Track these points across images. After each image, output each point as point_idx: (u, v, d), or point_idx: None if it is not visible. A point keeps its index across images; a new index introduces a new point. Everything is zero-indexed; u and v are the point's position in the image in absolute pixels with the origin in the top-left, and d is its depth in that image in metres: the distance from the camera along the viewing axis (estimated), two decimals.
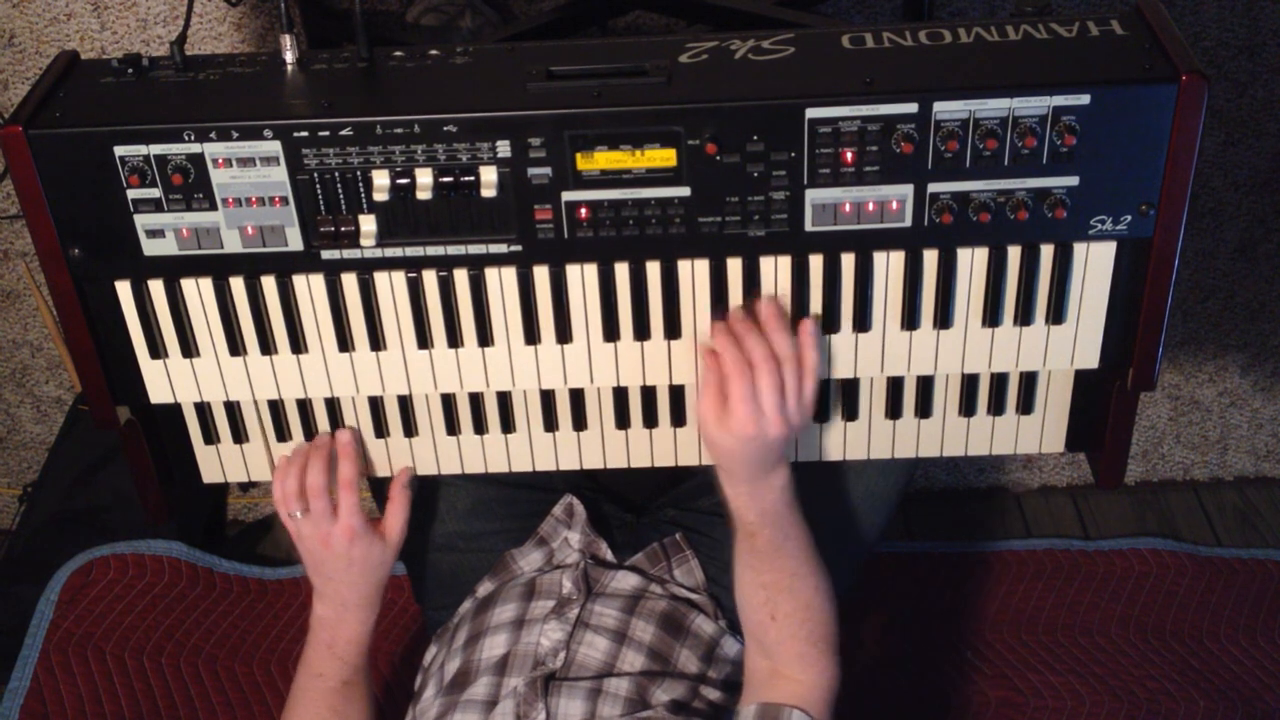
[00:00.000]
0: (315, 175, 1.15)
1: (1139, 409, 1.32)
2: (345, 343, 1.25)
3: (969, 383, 1.31)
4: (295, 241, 1.19)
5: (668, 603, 1.45)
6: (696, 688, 1.38)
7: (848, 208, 1.17)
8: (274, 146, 1.13)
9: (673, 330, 1.24)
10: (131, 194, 1.16)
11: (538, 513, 1.56)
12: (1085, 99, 1.11)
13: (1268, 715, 1.92)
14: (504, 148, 1.13)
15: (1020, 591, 2.14)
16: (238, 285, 1.22)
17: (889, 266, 1.20)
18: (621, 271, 1.21)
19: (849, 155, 1.13)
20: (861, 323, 1.23)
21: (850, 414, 1.33)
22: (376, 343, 1.25)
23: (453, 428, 1.34)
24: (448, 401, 1.32)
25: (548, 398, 1.32)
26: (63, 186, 1.15)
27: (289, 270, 1.21)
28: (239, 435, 1.34)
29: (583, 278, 1.21)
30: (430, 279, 1.21)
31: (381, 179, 1.15)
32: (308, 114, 1.13)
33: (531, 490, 1.58)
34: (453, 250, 1.19)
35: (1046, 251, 1.20)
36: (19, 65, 1.91)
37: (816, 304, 1.22)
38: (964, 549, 2.23)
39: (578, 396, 1.32)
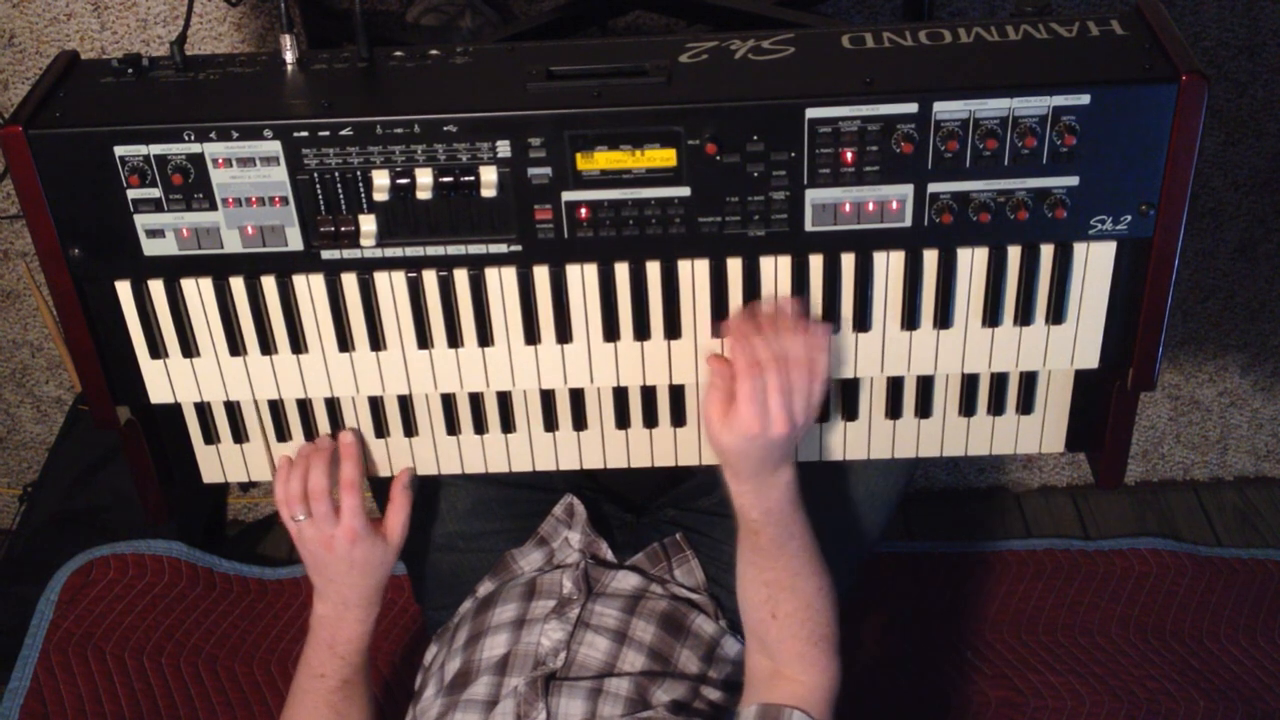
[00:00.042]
0: (315, 175, 1.15)
1: (1139, 409, 1.32)
2: (345, 343, 1.25)
3: (969, 383, 1.31)
4: (295, 241, 1.19)
5: (668, 603, 1.45)
6: (697, 688, 1.38)
7: (848, 208, 1.17)
8: (274, 146, 1.13)
9: (673, 330, 1.24)
10: (131, 194, 1.16)
11: (538, 513, 1.56)
12: (1085, 99, 1.11)
13: (1268, 715, 1.92)
14: (504, 148, 1.13)
15: (1020, 591, 2.14)
16: (238, 285, 1.22)
17: (889, 266, 1.20)
18: (621, 271, 1.21)
19: (849, 155, 1.13)
20: (861, 323, 1.23)
21: (850, 414, 1.33)
22: (376, 343, 1.25)
23: (453, 428, 1.34)
24: (448, 401, 1.32)
25: (548, 398, 1.32)
26: (63, 186, 1.15)
27: (289, 270, 1.21)
28: (239, 435, 1.34)
29: (583, 278, 1.21)
30: (430, 279, 1.21)
31: (381, 179, 1.15)
32: (308, 114, 1.13)
33: (531, 490, 1.58)
34: (453, 250, 1.19)
35: (1046, 251, 1.20)
36: (19, 65, 1.91)
37: (816, 304, 1.22)
38: (964, 549, 2.23)
39: (578, 396, 1.32)
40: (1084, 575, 2.16)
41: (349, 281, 1.21)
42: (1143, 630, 2.06)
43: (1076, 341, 1.24)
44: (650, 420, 1.33)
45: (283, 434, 1.34)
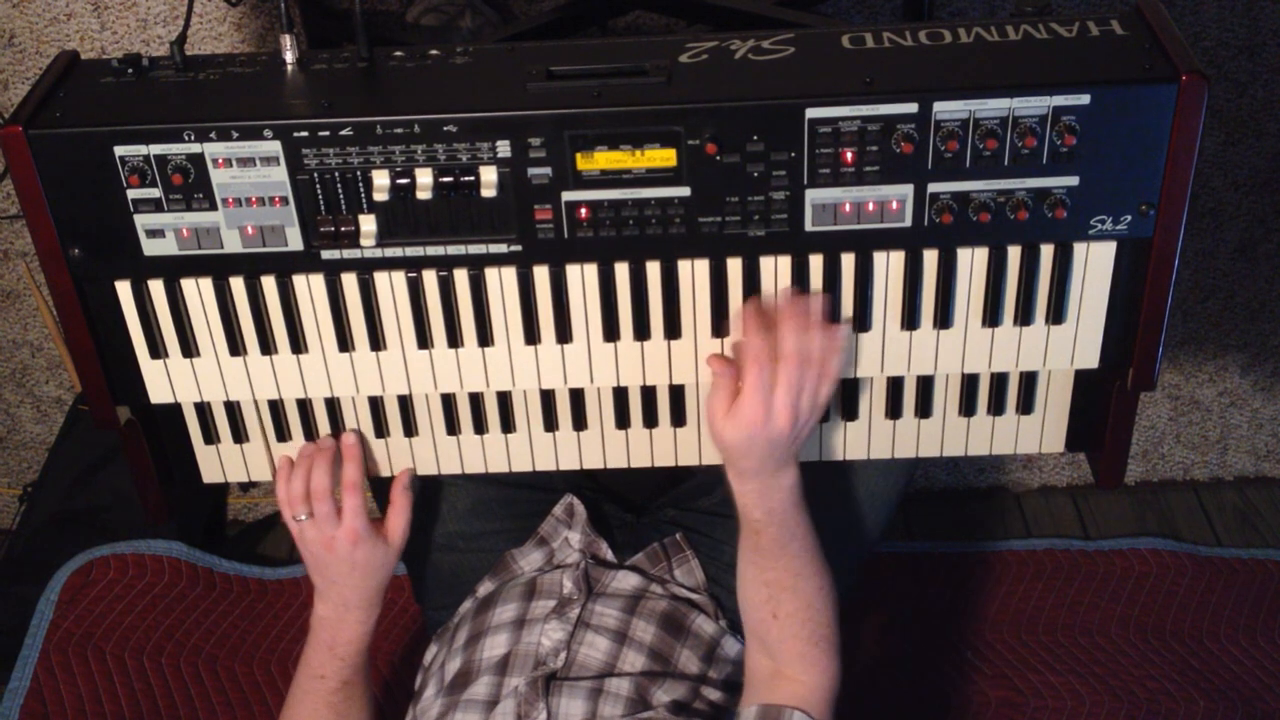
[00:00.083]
0: (315, 175, 1.15)
1: (1139, 409, 1.32)
2: (345, 343, 1.25)
3: (969, 383, 1.31)
4: (295, 241, 1.19)
5: (668, 603, 1.45)
6: (697, 688, 1.38)
7: (848, 208, 1.17)
8: (274, 146, 1.13)
9: (673, 330, 1.24)
10: (131, 194, 1.16)
11: (538, 513, 1.56)
12: (1085, 99, 1.11)
13: (1268, 715, 1.92)
14: (504, 148, 1.13)
15: (1020, 591, 2.14)
16: (238, 285, 1.22)
17: (889, 266, 1.20)
18: (621, 271, 1.21)
19: (849, 155, 1.13)
20: (861, 322, 1.23)
21: (850, 414, 1.33)
22: (376, 343, 1.25)
23: (453, 428, 1.34)
24: (448, 401, 1.32)
25: (548, 398, 1.32)
26: (63, 186, 1.15)
27: (289, 270, 1.21)
28: (239, 435, 1.34)
29: (583, 278, 1.21)
30: (430, 279, 1.21)
31: (381, 179, 1.15)
32: (308, 114, 1.13)
33: (531, 490, 1.58)
34: (453, 250, 1.19)
35: (1046, 251, 1.19)
36: (19, 65, 1.91)
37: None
38: (964, 549, 2.23)
39: (578, 396, 1.32)
40: (1084, 575, 2.16)
41: (349, 281, 1.21)
42: (1143, 630, 2.06)
43: (1076, 341, 1.24)
44: (650, 420, 1.33)
45: (283, 434, 1.34)
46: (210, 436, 1.34)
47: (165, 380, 1.27)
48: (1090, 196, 1.15)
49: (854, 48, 1.18)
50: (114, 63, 1.19)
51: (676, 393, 1.31)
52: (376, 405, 1.33)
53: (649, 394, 1.31)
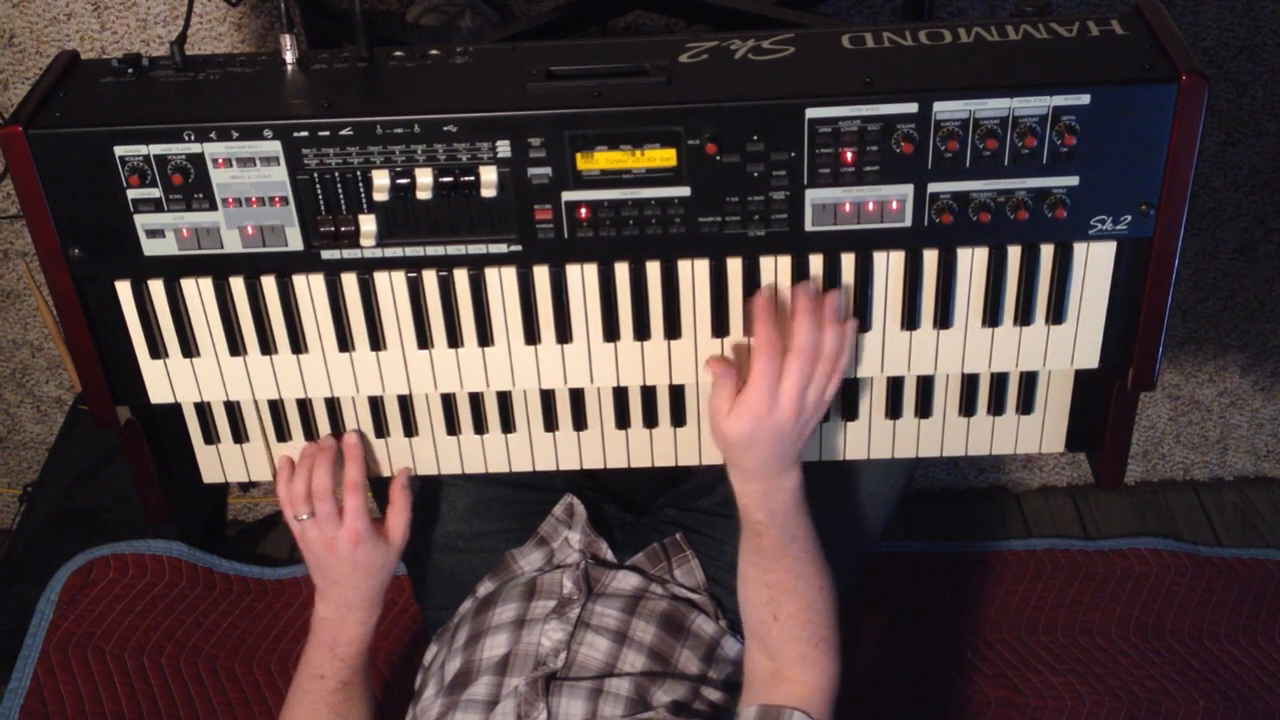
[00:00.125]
0: (315, 175, 1.15)
1: (1139, 409, 1.32)
2: (345, 343, 1.25)
3: (969, 383, 1.31)
4: (295, 241, 1.19)
5: (668, 603, 1.45)
6: (697, 688, 1.38)
7: (848, 208, 1.17)
8: (274, 146, 1.13)
9: (673, 330, 1.24)
10: (131, 194, 1.16)
11: (538, 513, 1.56)
12: (1085, 99, 1.11)
13: (1268, 715, 1.92)
14: (504, 148, 1.13)
15: (1020, 591, 2.14)
16: (238, 285, 1.22)
17: (889, 266, 1.20)
18: (621, 271, 1.21)
19: (849, 155, 1.13)
20: (861, 322, 1.23)
21: (850, 414, 1.33)
22: (376, 343, 1.25)
23: (453, 428, 1.34)
24: (448, 401, 1.32)
25: (548, 398, 1.32)
26: (63, 186, 1.15)
27: (289, 270, 1.21)
28: (239, 435, 1.34)
29: (583, 278, 1.21)
30: (430, 279, 1.21)
31: (381, 179, 1.15)
32: (308, 114, 1.13)
33: (531, 490, 1.58)
34: (453, 250, 1.19)
35: (1046, 251, 1.19)
36: (19, 65, 1.91)
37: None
38: (964, 549, 2.23)
39: (578, 396, 1.32)
40: (1084, 575, 2.16)
41: (349, 281, 1.21)
42: (1143, 630, 2.06)
43: (1076, 341, 1.24)
44: (650, 420, 1.33)
45: (283, 434, 1.34)
46: (210, 436, 1.34)
47: (165, 380, 1.27)
48: (1090, 196, 1.15)
49: (854, 48, 1.18)
50: (114, 63, 1.19)
51: (676, 393, 1.31)
52: (376, 405, 1.33)
53: (649, 394, 1.31)
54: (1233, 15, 1.85)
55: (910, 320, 1.23)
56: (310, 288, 1.22)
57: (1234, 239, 2.08)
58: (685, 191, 1.16)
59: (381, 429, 1.34)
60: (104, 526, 2.14)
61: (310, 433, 1.34)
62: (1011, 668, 2.00)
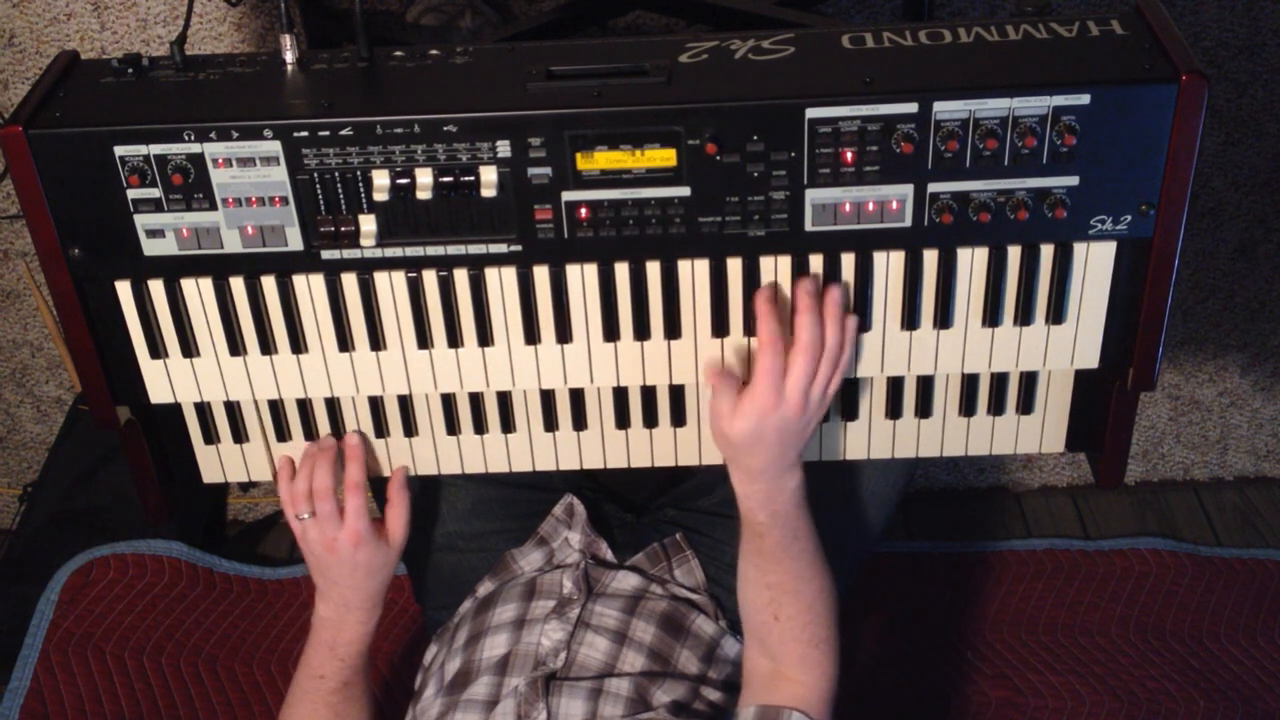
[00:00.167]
0: (315, 175, 1.15)
1: (1139, 409, 1.32)
2: (345, 343, 1.25)
3: (969, 383, 1.31)
4: (295, 241, 1.19)
5: (668, 603, 1.45)
6: (697, 688, 1.38)
7: (848, 208, 1.17)
8: (274, 146, 1.13)
9: (673, 330, 1.24)
10: (131, 194, 1.16)
11: (538, 513, 1.56)
12: (1085, 99, 1.11)
13: (1268, 715, 1.92)
14: (504, 148, 1.13)
15: (1020, 591, 2.14)
16: (238, 285, 1.22)
17: (889, 266, 1.20)
18: (621, 271, 1.21)
19: (849, 155, 1.13)
20: (861, 322, 1.23)
21: (850, 414, 1.33)
22: (376, 343, 1.25)
23: (453, 428, 1.34)
24: (448, 401, 1.32)
25: (548, 398, 1.32)
26: (63, 186, 1.15)
27: (289, 270, 1.21)
28: (239, 435, 1.34)
29: (583, 278, 1.21)
30: (430, 279, 1.21)
31: (381, 179, 1.15)
32: (308, 114, 1.13)
33: (531, 490, 1.58)
34: (453, 250, 1.19)
35: (1046, 251, 1.19)
36: (19, 65, 1.91)
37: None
38: (964, 549, 2.23)
39: (578, 396, 1.32)
40: (1084, 575, 2.16)
41: (349, 281, 1.21)
42: (1143, 630, 2.06)
43: (1076, 341, 1.24)
44: (650, 420, 1.33)
45: (283, 434, 1.34)
46: (210, 436, 1.34)
47: (165, 380, 1.27)
48: (1090, 196, 1.15)
49: (854, 48, 1.18)
50: (114, 63, 1.19)
51: (676, 393, 1.31)
52: (376, 405, 1.33)
53: (649, 394, 1.31)
54: (1233, 15, 1.85)
55: (910, 320, 1.23)
56: (310, 288, 1.22)
57: (1234, 239, 2.08)
58: (685, 191, 1.16)
59: (381, 429, 1.34)
60: (104, 526, 2.14)
61: (310, 433, 1.34)
62: (1011, 668, 2.00)
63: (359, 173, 1.15)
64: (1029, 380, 1.30)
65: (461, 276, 1.21)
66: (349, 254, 1.19)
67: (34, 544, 2.14)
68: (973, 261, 1.20)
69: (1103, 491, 2.37)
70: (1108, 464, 1.33)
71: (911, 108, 1.11)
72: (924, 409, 1.32)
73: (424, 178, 1.14)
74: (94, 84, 1.18)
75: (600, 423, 1.33)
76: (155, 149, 1.13)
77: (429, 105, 1.13)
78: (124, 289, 1.21)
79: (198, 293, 1.22)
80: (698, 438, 1.34)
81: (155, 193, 1.16)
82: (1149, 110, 1.11)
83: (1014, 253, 1.20)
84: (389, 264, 1.20)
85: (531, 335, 1.24)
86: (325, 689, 1.39)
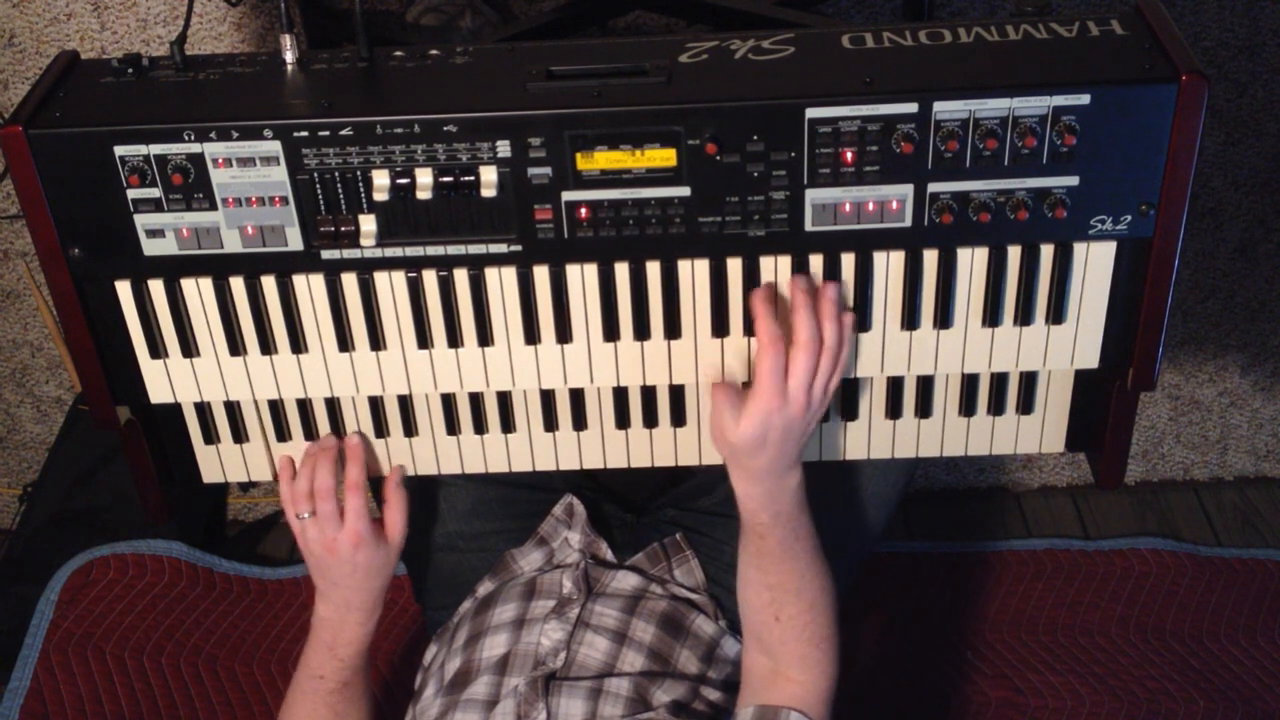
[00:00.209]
0: (315, 175, 1.15)
1: (1139, 409, 1.32)
2: (345, 343, 1.25)
3: (969, 383, 1.31)
4: (295, 241, 1.19)
5: (668, 603, 1.45)
6: (697, 688, 1.38)
7: (848, 208, 1.17)
8: (274, 146, 1.13)
9: (673, 330, 1.24)
10: (131, 194, 1.16)
11: (538, 513, 1.56)
12: (1085, 99, 1.11)
13: (1268, 715, 1.92)
14: (504, 148, 1.13)
15: (1020, 591, 2.14)
16: (238, 285, 1.22)
17: (889, 266, 1.20)
18: (621, 271, 1.21)
19: (849, 155, 1.13)
20: (861, 322, 1.23)
21: (850, 414, 1.33)
22: (376, 343, 1.25)
23: (453, 428, 1.34)
24: (448, 401, 1.32)
25: (548, 398, 1.32)
26: (63, 186, 1.15)
27: (289, 270, 1.21)
28: (239, 435, 1.34)
29: (583, 278, 1.21)
30: (430, 279, 1.21)
31: (381, 179, 1.15)
32: (308, 114, 1.13)
33: (531, 490, 1.58)
34: (453, 250, 1.19)
35: (1046, 251, 1.19)
36: (19, 65, 1.91)
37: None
38: (964, 549, 2.23)
39: (578, 396, 1.32)
40: (1084, 575, 2.16)
41: (349, 281, 1.21)
42: (1143, 630, 2.06)
43: (1076, 341, 1.24)
44: (650, 420, 1.33)
45: (283, 434, 1.34)
46: (210, 436, 1.34)
47: (165, 380, 1.27)
48: (1090, 196, 1.15)
49: (854, 48, 1.18)
50: (114, 63, 1.19)
51: (676, 393, 1.31)
52: (376, 405, 1.33)
53: (649, 394, 1.31)
54: (1233, 15, 1.85)
55: (910, 320, 1.23)
56: (310, 288, 1.22)
57: (1234, 239, 2.08)
58: (685, 191, 1.16)
59: (381, 429, 1.34)
60: (104, 526, 2.14)
61: (310, 433, 1.34)
62: (1011, 668, 2.00)
63: (359, 173, 1.15)
64: (1029, 380, 1.30)
65: (461, 276, 1.21)
66: (349, 254, 1.19)
67: (34, 544, 2.14)
68: (973, 261, 1.20)
69: (1103, 491, 2.37)
70: (1108, 464, 1.33)
71: (911, 108, 1.11)
72: (924, 409, 1.32)
73: (424, 178, 1.14)
74: (94, 84, 1.18)
75: (600, 423, 1.33)
76: (155, 149, 1.13)
77: (429, 105, 1.13)
78: (124, 289, 1.21)
79: (198, 293, 1.22)
80: (698, 438, 1.34)
81: (155, 193, 1.16)
82: (1149, 110, 1.11)
83: (1014, 253, 1.20)
84: (389, 264, 1.20)
85: (531, 335, 1.24)
86: (325, 689, 1.39)
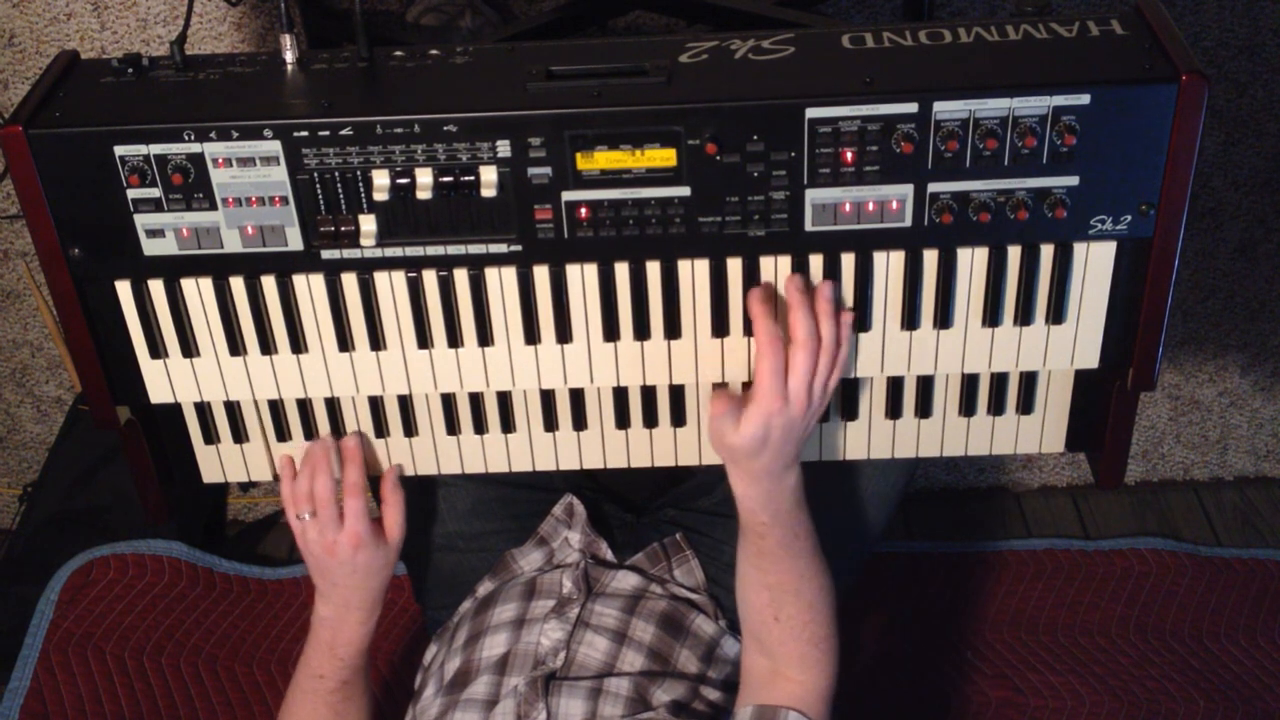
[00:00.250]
0: (315, 175, 1.15)
1: (1139, 409, 1.32)
2: (345, 343, 1.25)
3: (969, 383, 1.31)
4: (295, 241, 1.19)
5: (668, 603, 1.45)
6: (697, 688, 1.38)
7: (848, 208, 1.17)
8: (274, 146, 1.13)
9: (673, 330, 1.24)
10: (131, 194, 1.16)
11: (538, 513, 1.57)
12: (1085, 99, 1.11)
13: (1268, 715, 1.92)
14: (504, 148, 1.13)
15: (1020, 591, 2.14)
16: (238, 285, 1.22)
17: (889, 266, 1.20)
18: (621, 271, 1.21)
19: (849, 155, 1.13)
20: (861, 322, 1.23)
21: (850, 414, 1.33)
22: (376, 343, 1.25)
23: (453, 428, 1.34)
24: (448, 401, 1.32)
25: (548, 398, 1.32)
26: (63, 186, 1.15)
27: (289, 270, 1.21)
28: (239, 435, 1.34)
29: (583, 278, 1.21)
30: (430, 279, 1.21)
31: (381, 179, 1.15)
32: (308, 114, 1.13)
33: (531, 490, 1.58)
34: (453, 250, 1.19)
35: (1046, 251, 1.19)
36: (19, 65, 1.91)
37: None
38: (964, 549, 2.23)
39: (578, 396, 1.32)
40: (1084, 575, 2.16)
41: (349, 281, 1.21)
42: (1143, 630, 2.06)
43: (1076, 341, 1.24)
44: (650, 420, 1.33)
45: (283, 434, 1.34)
46: (210, 436, 1.34)
47: (165, 380, 1.27)
48: (1090, 196, 1.15)
49: (854, 48, 1.18)
50: (114, 63, 1.19)
51: (676, 393, 1.31)
52: (376, 405, 1.33)
53: (649, 394, 1.31)
54: (1233, 15, 1.85)
55: (910, 320, 1.23)
56: (310, 288, 1.22)
57: (1234, 239, 2.08)
58: (685, 191, 1.16)
59: (381, 429, 1.34)
60: (104, 526, 2.14)
61: (310, 433, 1.34)
62: (1011, 668, 2.00)
63: (359, 172, 1.15)
64: (1029, 380, 1.30)
65: (461, 276, 1.21)
66: (349, 254, 1.19)
67: (34, 544, 2.14)
68: (973, 261, 1.20)
69: (1103, 491, 2.37)
70: (1108, 464, 1.33)
71: (911, 108, 1.11)
72: (924, 409, 1.32)
73: (424, 178, 1.14)
74: (94, 84, 1.18)
75: (600, 423, 1.33)
76: (155, 149, 1.13)
77: (429, 105, 1.13)
78: (124, 289, 1.21)
79: (198, 293, 1.22)
80: (698, 438, 1.34)
81: (155, 193, 1.16)
82: (1149, 110, 1.11)
83: (1014, 253, 1.20)
84: (389, 264, 1.20)
85: (531, 335, 1.24)
86: (325, 689, 1.39)
